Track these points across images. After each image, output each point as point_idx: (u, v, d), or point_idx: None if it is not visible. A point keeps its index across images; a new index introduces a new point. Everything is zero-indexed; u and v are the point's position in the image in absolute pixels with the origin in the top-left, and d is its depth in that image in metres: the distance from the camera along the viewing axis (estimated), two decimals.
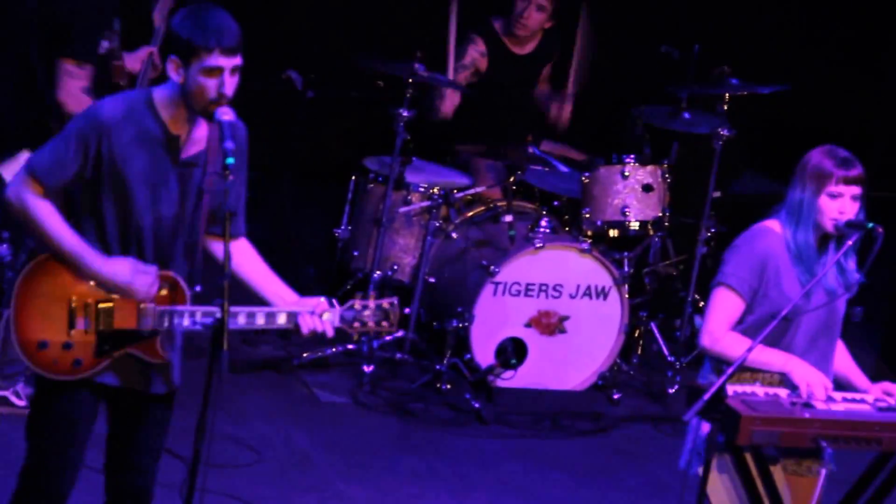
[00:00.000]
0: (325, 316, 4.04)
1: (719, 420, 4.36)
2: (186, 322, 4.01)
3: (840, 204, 4.33)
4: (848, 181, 4.32)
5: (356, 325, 4.10)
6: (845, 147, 4.70)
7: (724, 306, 4.45)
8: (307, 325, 4.04)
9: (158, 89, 3.91)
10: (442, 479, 5.79)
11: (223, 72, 3.73)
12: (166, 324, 3.99)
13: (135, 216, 3.97)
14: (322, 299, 4.11)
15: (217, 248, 4.22)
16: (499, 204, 6.45)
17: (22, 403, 5.79)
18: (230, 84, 3.78)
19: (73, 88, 5.51)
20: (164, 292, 4.03)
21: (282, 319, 4.08)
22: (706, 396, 4.29)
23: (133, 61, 5.87)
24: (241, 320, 4.06)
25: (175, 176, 3.97)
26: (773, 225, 4.47)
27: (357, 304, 4.15)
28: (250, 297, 4.25)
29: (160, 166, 4.00)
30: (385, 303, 4.18)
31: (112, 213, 4.00)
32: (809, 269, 4.36)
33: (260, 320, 4.04)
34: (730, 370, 4.37)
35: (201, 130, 3.95)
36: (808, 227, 4.40)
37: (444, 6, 7.04)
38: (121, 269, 3.99)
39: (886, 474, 4.57)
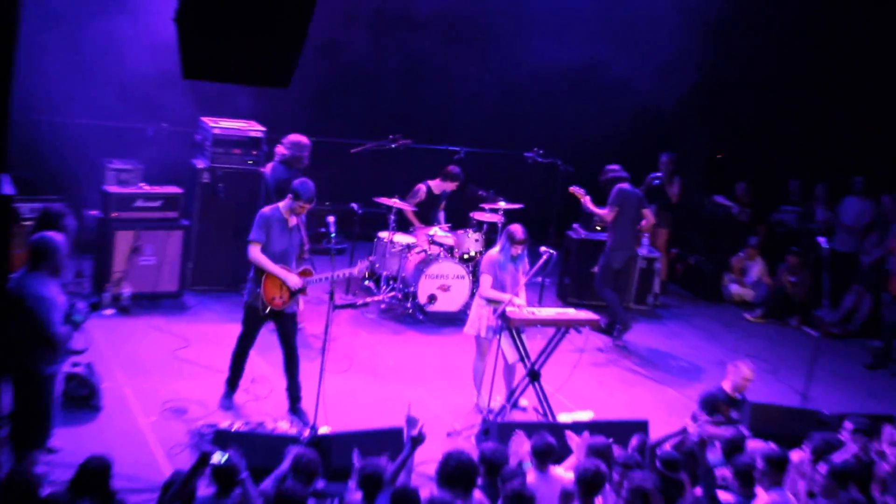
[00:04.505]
0: (357, 269, 8.22)
1: (505, 319, 8.30)
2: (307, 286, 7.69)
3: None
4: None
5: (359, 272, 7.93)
6: None
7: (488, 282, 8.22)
8: (358, 272, 8.04)
9: (284, 203, 7.61)
10: (408, 340, 10.38)
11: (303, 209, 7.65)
12: (305, 285, 7.71)
13: (273, 250, 7.66)
14: (359, 263, 8.16)
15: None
16: (426, 247, 11.25)
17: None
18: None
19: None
20: (305, 275, 7.69)
21: (341, 274, 7.78)
22: (498, 311, 8.23)
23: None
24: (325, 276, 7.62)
25: (287, 234, 7.69)
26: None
27: (361, 265, 8.00)
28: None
29: (284, 230, 7.75)
30: (365, 264, 8.02)
31: (271, 249, 7.78)
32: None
33: (338, 273, 7.58)
34: (501, 308, 8.25)
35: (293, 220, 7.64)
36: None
37: None
38: (290, 277, 7.64)
39: (559, 337, 8.58)
